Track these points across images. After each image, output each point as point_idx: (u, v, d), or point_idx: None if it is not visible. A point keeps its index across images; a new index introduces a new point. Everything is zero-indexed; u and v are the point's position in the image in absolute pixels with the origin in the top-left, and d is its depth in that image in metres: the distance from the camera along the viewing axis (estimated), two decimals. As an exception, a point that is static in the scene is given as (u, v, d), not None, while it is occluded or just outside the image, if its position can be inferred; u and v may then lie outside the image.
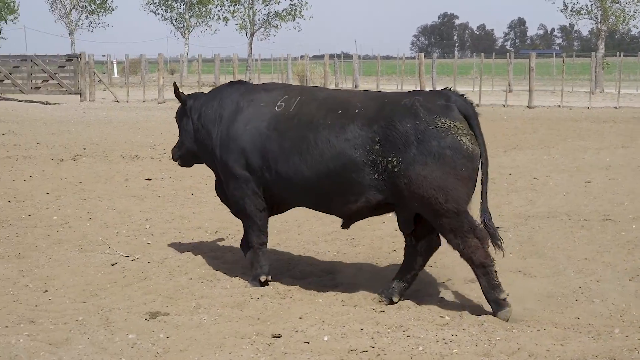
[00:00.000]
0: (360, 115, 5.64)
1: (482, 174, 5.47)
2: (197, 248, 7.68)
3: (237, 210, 6.39)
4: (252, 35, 51.54)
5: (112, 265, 7.04)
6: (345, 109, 5.71)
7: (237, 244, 7.55)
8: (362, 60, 61.22)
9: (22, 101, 30.60)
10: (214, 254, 7.42)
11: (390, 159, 5.43)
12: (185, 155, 6.86)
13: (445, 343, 5.03)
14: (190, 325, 5.44)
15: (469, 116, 5.48)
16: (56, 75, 30.68)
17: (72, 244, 7.83)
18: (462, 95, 5.62)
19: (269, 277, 6.36)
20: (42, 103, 29.81)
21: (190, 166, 7.04)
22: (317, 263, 7.16)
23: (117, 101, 30.42)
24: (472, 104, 5.60)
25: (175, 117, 6.90)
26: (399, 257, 6.91)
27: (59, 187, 11.08)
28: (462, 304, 5.87)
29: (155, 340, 5.14)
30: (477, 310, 5.70)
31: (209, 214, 9.44)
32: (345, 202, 5.70)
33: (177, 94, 6.64)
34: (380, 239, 8.09)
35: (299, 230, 8.53)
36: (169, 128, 19.33)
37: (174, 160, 6.97)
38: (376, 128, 5.52)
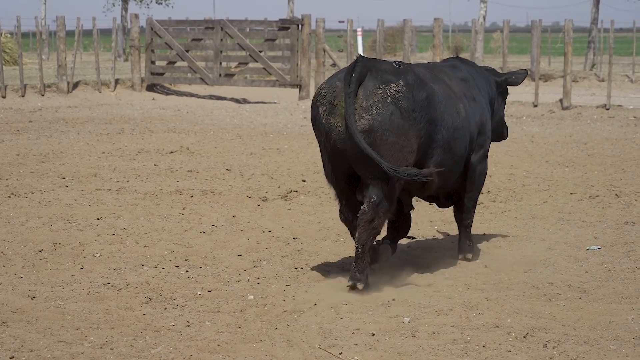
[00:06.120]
0: None
1: None
2: None
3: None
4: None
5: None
6: None
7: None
8: None
9: (203, 97, 31.63)
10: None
11: None
12: None
13: None
14: None
15: None
16: (261, 53, 30.67)
17: (308, 345, 7.91)
18: None
19: None
20: (236, 101, 30.68)
21: None
22: None
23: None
24: None
25: None
26: None
27: (259, 246, 11.03)
28: None
29: None
30: None
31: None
32: None
33: None
34: None
35: None
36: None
37: None
38: None
